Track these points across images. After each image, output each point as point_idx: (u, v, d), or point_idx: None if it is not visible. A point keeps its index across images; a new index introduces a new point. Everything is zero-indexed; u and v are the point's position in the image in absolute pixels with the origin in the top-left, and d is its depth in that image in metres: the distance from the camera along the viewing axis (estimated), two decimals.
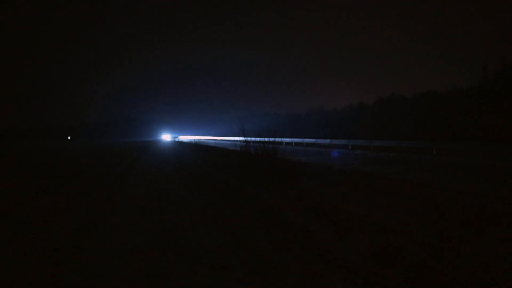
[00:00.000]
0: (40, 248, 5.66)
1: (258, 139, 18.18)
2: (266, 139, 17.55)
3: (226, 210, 8.35)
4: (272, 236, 6.15)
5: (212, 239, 6.07)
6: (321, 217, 7.21)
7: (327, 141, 39.70)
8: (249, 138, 19.02)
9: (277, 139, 17.69)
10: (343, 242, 5.63)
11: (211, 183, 12.85)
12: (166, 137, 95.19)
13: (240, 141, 19.99)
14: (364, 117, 45.71)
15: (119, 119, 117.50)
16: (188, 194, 10.62)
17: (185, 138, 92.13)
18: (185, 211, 8.33)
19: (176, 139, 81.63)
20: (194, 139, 77.27)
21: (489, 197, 9.17)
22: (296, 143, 44.82)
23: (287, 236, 6.10)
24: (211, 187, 11.89)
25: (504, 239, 5.52)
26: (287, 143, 44.28)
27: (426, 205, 7.96)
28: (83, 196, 10.43)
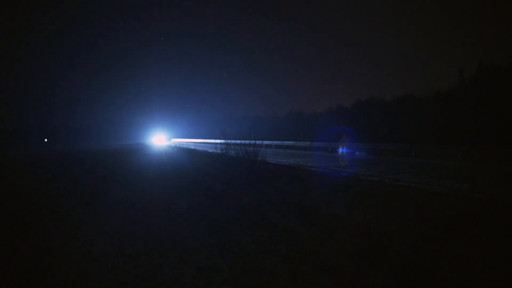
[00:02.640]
0: None
1: (239, 141, 18.05)
2: (247, 141, 17.43)
3: (209, 212, 8.22)
4: (257, 237, 6.17)
5: (197, 241, 6.02)
6: (304, 219, 7.26)
7: (307, 143, 39.77)
8: (230, 141, 18.89)
9: (258, 142, 17.58)
10: (328, 243, 5.68)
11: (193, 185, 12.62)
12: (159, 140, 75.12)
13: (221, 143, 19.84)
14: (343, 120, 45.94)
15: (100, 121, 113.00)
16: (172, 196, 10.42)
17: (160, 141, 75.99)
18: (168, 214, 8.16)
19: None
20: (175, 142, 69.49)
21: (466, 198, 9.21)
22: (276, 146, 44.77)
23: (272, 237, 6.08)
24: (194, 189, 11.68)
25: (482, 239, 5.55)
26: (267, 145, 44.10)
27: (408, 206, 7.97)
28: None
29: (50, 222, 7.80)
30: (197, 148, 44.01)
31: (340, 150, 25.83)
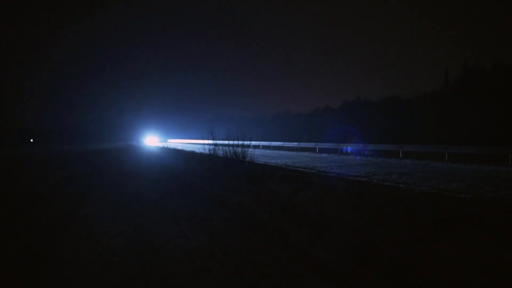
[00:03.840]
0: None
1: (227, 142, 18.01)
2: (235, 142, 17.39)
3: (199, 212, 8.17)
4: (248, 237, 6.14)
5: (188, 242, 5.95)
6: (294, 219, 7.25)
7: (295, 144, 39.86)
8: (218, 142, 18.85)
9: (246, 142, 17.56)
10: (319, 243, 5.67)
11: (183, 186, 12.55)
12: (151, 140, 74.22)
13: (209, 144, 19.77)
14: (330, 121, 46.17)
15: (91, 120, 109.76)
16: (162, 197, 10.34)
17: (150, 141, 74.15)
18: (158, 214, 8.09)
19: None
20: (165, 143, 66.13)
21: (453, 198, 9.32)
22: (264, 146, 44.79)
23: (263, 237, 6.08)
24: (183, 190, 11.62)
25: (469, 239, 5.59)
26: (254, 146, 44.12)
27: (396, 206, 8.01)
28: None
29: (36, 223, 7.67)
30: (189, 149, 43.83)
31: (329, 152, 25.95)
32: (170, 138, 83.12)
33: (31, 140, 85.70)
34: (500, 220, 6.88)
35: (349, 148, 31.70)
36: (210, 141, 19.34)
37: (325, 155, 30.73)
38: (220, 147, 18.58)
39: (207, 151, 19.94)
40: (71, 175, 17.53)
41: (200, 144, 35.64)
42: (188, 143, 66.09)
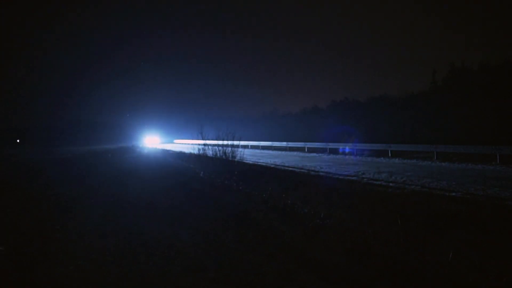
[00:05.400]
0: None
1: (216, 142, 17.96)
2: (225, 142, 17.35)
3: (192, 211, 8.13)
4: (242, 236, 6.11)
5: (181, 241, 5.92)
6: (287, 218, 7.28)
7: (284, 143, 39.87)
8: (208, 142, 18.80)
9: (235, 142, 17.52)
10: (314, 241, 5.69)
11: (174, 186, 12.44)
12: (151, 141, 64.71)
13: (199, 144, 19.70)
14: (319, 120, 46.29)
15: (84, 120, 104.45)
16: (151, 195, 10.23)
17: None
18: (150, 214, 8.00)
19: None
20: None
21: (443, 197, 9.38)
22: (253, 146, 44.76)
23: (257, 236, 6.07)
24: (174, 190, 11.52)
25: (460, 236, 5.70)
26: (243, 146, 44.10)
27: (387, 204, 8.07)
28: None
29: (28, 223, 7.52)
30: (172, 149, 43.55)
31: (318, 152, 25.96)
32: (177, 138, 76.97)
33: (17, 141, 79.84)
34: (490, 218, 6.94)
35: (338, 147, 31.79)
36: (200, 141, 19.32)
37: (315, 154, 30.77)
38: (209, 146, 18.56)
39: (196, 151, 19.82)
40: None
41: (190, 144, 35.35)
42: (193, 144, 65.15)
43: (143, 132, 73.37)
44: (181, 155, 28.43)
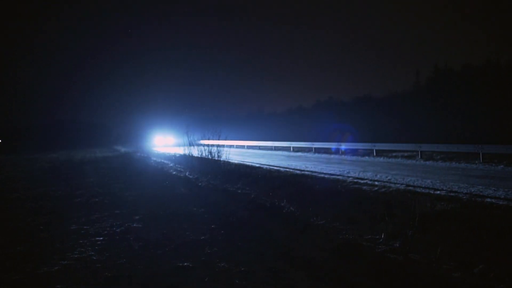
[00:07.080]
0: None
1: (202, 141, 17.91)
2: (211, 141, 17.31)
3: (178, 210, 8.10)
4: (230, 235, 6.08)
5: (168, 240, 5.88)
6: (274, 217, 7.25)
7: (269, 143, 39.88)
8: (193, 141, 18.73)
9: (221, 142, 17.49)
10: (302, 240, 5.69)
11: (157, 186, 12.36)
12: (164, 141, 53.84)
13: (184, 143, 19.62)
14: (304, 120, 46.50)
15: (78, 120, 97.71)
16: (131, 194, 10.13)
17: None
18: (135, 213, 7.93)
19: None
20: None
21: (428, 195, 9.48)
22: (238, 146, 44.68)
23: (246, 235, 6.06)
24: (158, 189, 11.45)
25: (446, 233, 5.79)
26: (229, 145, 44.01)
27: (373, 203, 8.13)
28: None
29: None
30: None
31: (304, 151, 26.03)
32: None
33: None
34: (475, 215, 7.02)
35: (324, 147, 31.91)
36: (185, 141, 19.24)
37: (300, 153, 30.82)
38: (195, 146, 18.52)
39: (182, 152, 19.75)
40: None
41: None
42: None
43: (150, 131, 65.48)
44: (166, 156, 28.23)
